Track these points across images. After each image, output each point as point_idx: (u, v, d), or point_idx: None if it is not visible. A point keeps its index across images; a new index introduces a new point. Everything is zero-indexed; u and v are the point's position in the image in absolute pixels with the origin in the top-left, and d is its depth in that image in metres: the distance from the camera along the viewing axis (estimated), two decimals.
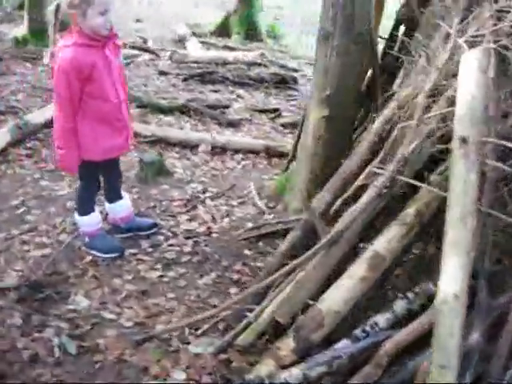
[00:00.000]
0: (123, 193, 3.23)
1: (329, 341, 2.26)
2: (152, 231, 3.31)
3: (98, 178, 3.00)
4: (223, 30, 8.94)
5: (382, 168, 2.25)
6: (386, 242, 2.24)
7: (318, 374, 2.15)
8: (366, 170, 2.31)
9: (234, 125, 5.20)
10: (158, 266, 3.04)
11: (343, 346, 2.19)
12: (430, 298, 2.26)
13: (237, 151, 4.58)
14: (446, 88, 2.21)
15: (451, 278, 1.85)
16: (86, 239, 3.07)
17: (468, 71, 2.00)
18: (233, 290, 2.88)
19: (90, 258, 3.04)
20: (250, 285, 2.90)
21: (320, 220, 2.42)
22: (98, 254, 3.04)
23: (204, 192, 3.90)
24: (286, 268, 2.29)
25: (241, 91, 6.28)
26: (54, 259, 2.98)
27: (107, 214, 3.27)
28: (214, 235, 3.37)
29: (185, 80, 6.43)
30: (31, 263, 2.96)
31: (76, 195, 3.07)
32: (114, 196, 3.16)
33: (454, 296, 1.83)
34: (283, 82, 6.52)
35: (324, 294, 2.28)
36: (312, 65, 7.83)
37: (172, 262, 3.09)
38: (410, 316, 2.23)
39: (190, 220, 3.53)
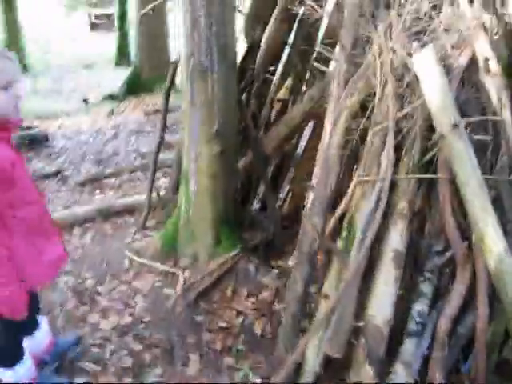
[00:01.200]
0: (40, 317, 2.47)
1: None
2: (79, 347, 2.64)
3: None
4: None
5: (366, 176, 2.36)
6: (398, 237, 2.36)
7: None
8: (352, 186, 2.38)
9: None
10: (128, 379, 2.47)
11: (412, 346, 2.26)
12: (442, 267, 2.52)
13: (71, 225, 3.91)
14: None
15: (496, 237, 2.11)
16: None
17: (427, 68, 2.27)
18: (229, 361, 2.57)
19: None
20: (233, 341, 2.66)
21: (332, 243, 2.38)
22: None
23: (84, 281, 3.25)
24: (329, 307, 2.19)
25: None
26: None
27: None
28: (147, 319, 2.89)
29: None
30: None
31: None
32: (34, 327, 2.40)
33: (505, 251, 2.10)
34: (36, 143, 5.75)
35: (368, 308, 2.28)
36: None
37: (137, 366, 2.54)
38: (437, 290, 2.44)
39: (104, 317, 2.92)
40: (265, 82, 3.54)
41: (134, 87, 7.85)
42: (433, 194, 2.57)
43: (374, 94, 2.46)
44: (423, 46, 2.45)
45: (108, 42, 13.12)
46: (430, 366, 2.21)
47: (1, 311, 1.93)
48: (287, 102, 3.66)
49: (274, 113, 3.71)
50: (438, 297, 2.44)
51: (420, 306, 2.38)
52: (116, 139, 6.25)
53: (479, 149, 2.36)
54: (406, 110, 2.33)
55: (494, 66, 2.40)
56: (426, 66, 2.29)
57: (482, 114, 2.42)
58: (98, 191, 4.73)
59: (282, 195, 3.96)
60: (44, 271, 2.05)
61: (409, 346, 2.27)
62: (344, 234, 2.45)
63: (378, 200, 2.33)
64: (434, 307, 2.39)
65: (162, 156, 5.70)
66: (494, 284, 2.16)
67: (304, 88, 3.66)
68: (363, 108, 2.50)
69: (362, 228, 2.33)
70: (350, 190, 2.41)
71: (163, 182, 4.85)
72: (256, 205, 3.89)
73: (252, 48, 3.31)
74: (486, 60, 2.40)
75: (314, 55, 3.52)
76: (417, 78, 2.37)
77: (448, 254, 2.46)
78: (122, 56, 10.67)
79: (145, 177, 5.09)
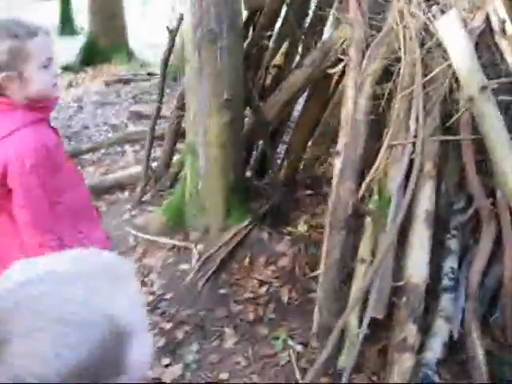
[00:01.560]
0: None
1: None
2: None
3: None
4: None
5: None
6: (428, 198, 2.43)
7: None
8: (382, 150, 2.42)
9: None
10: (166, 358, 2.44)
11: (448, 301, 2.37)
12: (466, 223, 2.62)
13: None
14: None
15: None
16: None
17: (452, 32, 2.31)
18: (264, 330, 2.60)
19: None
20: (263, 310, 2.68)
21: (367, 207, 2.42)
22: None
23: None
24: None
25: None
26: None
27: None
28: (169, 296, 2.86)
29: None
30: None
31: None
32: None
33: None
34: None
35: (405, 268, 2.36)
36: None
37: (172, 345, 2.52)
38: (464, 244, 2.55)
39: None
40: (261, 48, 3.47)
41: (91, 57, 7.49)
42: (450, 154, 2.66)
43: (397, 58, 2.48)
44: (442, 10, 2.49)
45: (45, 11, 12.39)
46: (466, 319, 2.34)
47: None
48: (283, 68, 3.62)
49: (268, 79, 3.67)
50: (465, 252, 2.55)
51: (450, 263, 2.49)
52: (81, 112, 5.99)
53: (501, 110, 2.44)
54: (432, 74, 2.37)
55: (510, 28, 2.47)
56: (450, 29, 2.33)
57: (500, 76, 2.50)
58: (77, 168, 4.53)
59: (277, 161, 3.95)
60: None
61: (446, 302, 2.37)
62: (374, 197, 2.51)
63: (410, 162, 2.39)
64: (461, 262, 2.51)
65: (133, 128, 5.58)
66: None
67: (299, 53, 3.63)
68: (386, 73, 2.53)
69: (395, 191, 2.38)
70: (380, 154, 2.44)
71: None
72: (249, 172, 3.87)
73: (253, 14, 3.23)
74: (502, 22, 2.47)
75: (309, 19, 3.49)
76: (440, 42, 2.42)
77: (470, 211, 2.58)
78: (66, 25, 10.11)
79: (123, 150, 4.94)
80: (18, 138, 1.67)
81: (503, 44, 2.49)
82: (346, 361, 2.33)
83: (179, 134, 3.84)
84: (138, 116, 5.73)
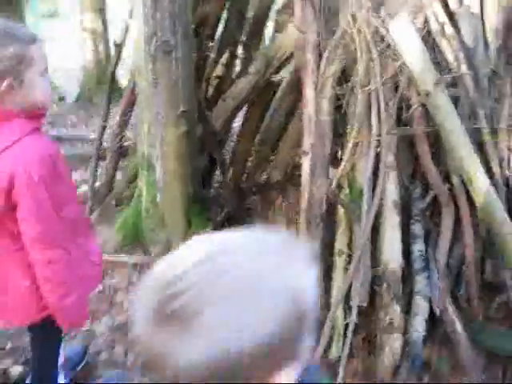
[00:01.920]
0: None
1: None
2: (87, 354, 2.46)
3: None
4: None
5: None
6: (393, 188, 2.60)
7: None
8: (349, 146, 2.55)
9: None
10: None
11: (423, 281, 2.53)
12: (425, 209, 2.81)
13: None
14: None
15: (483, 178, 2.45)
16: None
17: (405, 32, 2.50)
18: None
19: None
20: None
21: (343, 200, 2.53)
22: None
23: None
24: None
25: None
26: None
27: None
28: None
29: None
30: None
31: (43, 368, 1.95)
32: None
33: (491, 188, 2.45)
34: None
35: (381, 255, 2.50)
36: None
37: None
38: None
39: (95, 320, 2.73)
40: (204, 59, 3.51)
41: None
42: (403, 147, 2.86)
43: (354, 60, 2.64)
44: (390, 14, 2.69)
45: None
46: (440, 296, 2.52)
47: (62, 323, 1.74)
48: (224, 78, 3.67)
49: (210, 90, 3.70)
50: (427, 235, 2.74)
51: (419, 246, 2.66)
52: None
53: None
54: (390, 74, 2.54)
55: (450, 29, 2.72)
56: (403, 31, 2.53)
57: (442, 73, 2.73)
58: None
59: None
60: (93, 275, 1.88)
61: (421, 282, 2.53)
62: (345, 191, 2.63)
63: (377, 156, 2.54)
64: (427, 244, 2.70)
65: None
66: (479, 217, 2.53)
67: (238, 63, 3.72)
68: (343, 73, 2.67)
69: (366, 184, 2.51)
70: (347, 150, 2.57)
71: (79, 175, 4.51)
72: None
73: (198, 25, 3.25)
74: (442, 24, 2.71)
75: (248, 27, 3.59)
76: (389, 44, 2.61)
77: (428, 197, 2.79)
78: None
79: None
80: (22, 148, 1.58)
81: (443, 43, 2.73)
82: (337, 351, 2.41)
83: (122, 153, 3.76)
84: (57, 140, 5.46)
